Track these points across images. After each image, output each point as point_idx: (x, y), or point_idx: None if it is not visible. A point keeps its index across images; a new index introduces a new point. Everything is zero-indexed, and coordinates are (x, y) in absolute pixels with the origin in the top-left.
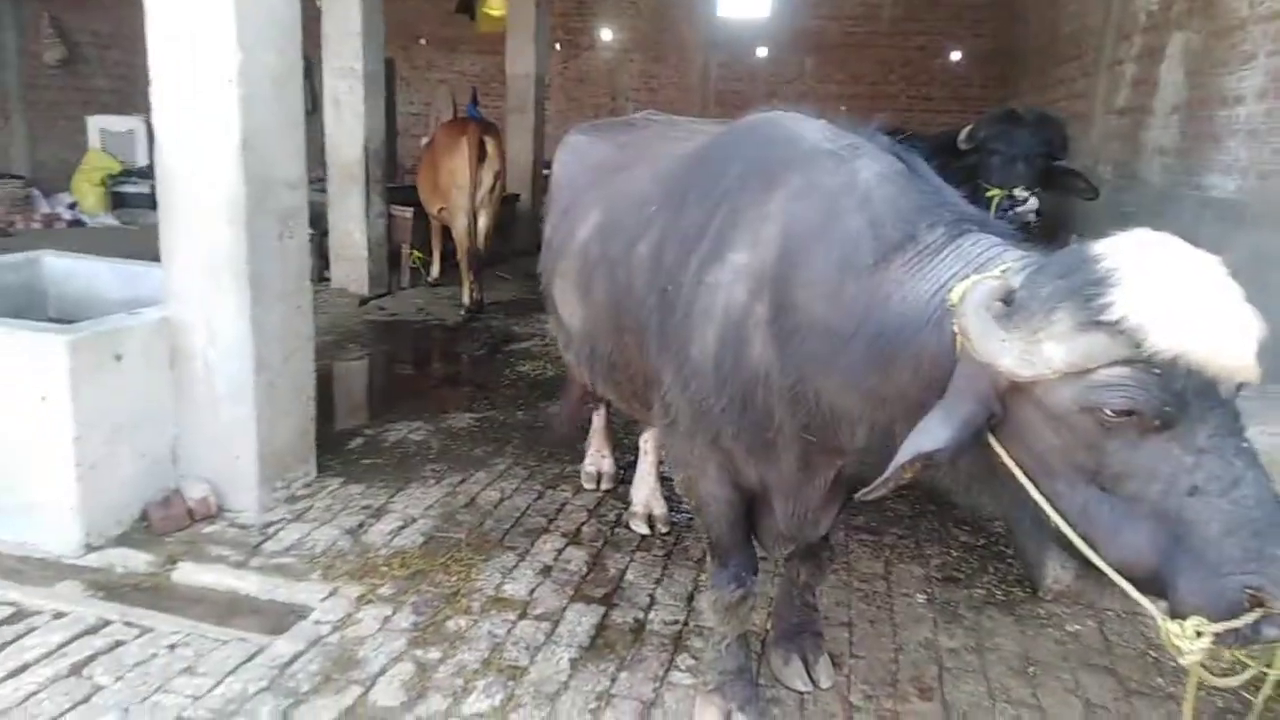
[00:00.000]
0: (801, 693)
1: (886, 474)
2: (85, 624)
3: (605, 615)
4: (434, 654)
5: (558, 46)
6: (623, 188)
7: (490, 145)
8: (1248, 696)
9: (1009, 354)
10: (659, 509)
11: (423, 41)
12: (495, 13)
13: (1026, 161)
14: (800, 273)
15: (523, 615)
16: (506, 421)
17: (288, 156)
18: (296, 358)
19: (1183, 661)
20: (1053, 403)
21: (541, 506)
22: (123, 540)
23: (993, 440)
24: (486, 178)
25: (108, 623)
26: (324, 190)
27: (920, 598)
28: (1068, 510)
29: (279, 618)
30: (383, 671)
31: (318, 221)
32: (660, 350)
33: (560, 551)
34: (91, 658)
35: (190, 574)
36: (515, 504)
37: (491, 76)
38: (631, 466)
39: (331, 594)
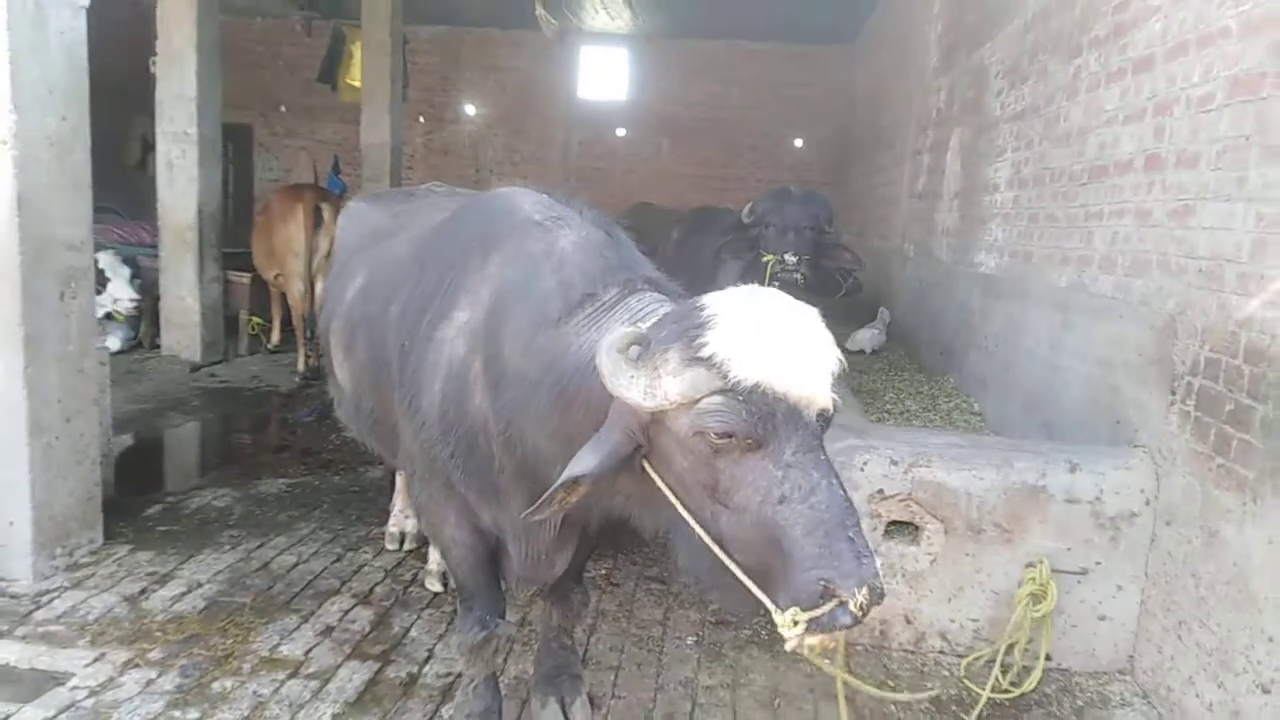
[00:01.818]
0: None
1: (545, 496)
2: None
3: (379, 671)
4: (192, 714)
5: (421, 119)
6: (385, 253)
7: (327, 212)
8: (963, 717)
9: (636, 389)
10: None
11: (283, 109)
12: (357, 84)
13: (796, 232)
14: (505, 327)
15: (294, 674)
16: (320, 486)
17: (70, 218)
18: (79, 420)
19: (786, 647)
20: (677, 429)
21: (338, 569)
22: None
23: (647, 466)
24: (323, 244)
25: None
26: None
27: (690, 640)
28: (702, 522)
29: (35, 685)
30: None
31: (153, 287)
32: (399, 402)
33: (347, 612)
34: None
35: None
36: (310, 567)
37: (354, 145)
38: None
39: (96, 660)
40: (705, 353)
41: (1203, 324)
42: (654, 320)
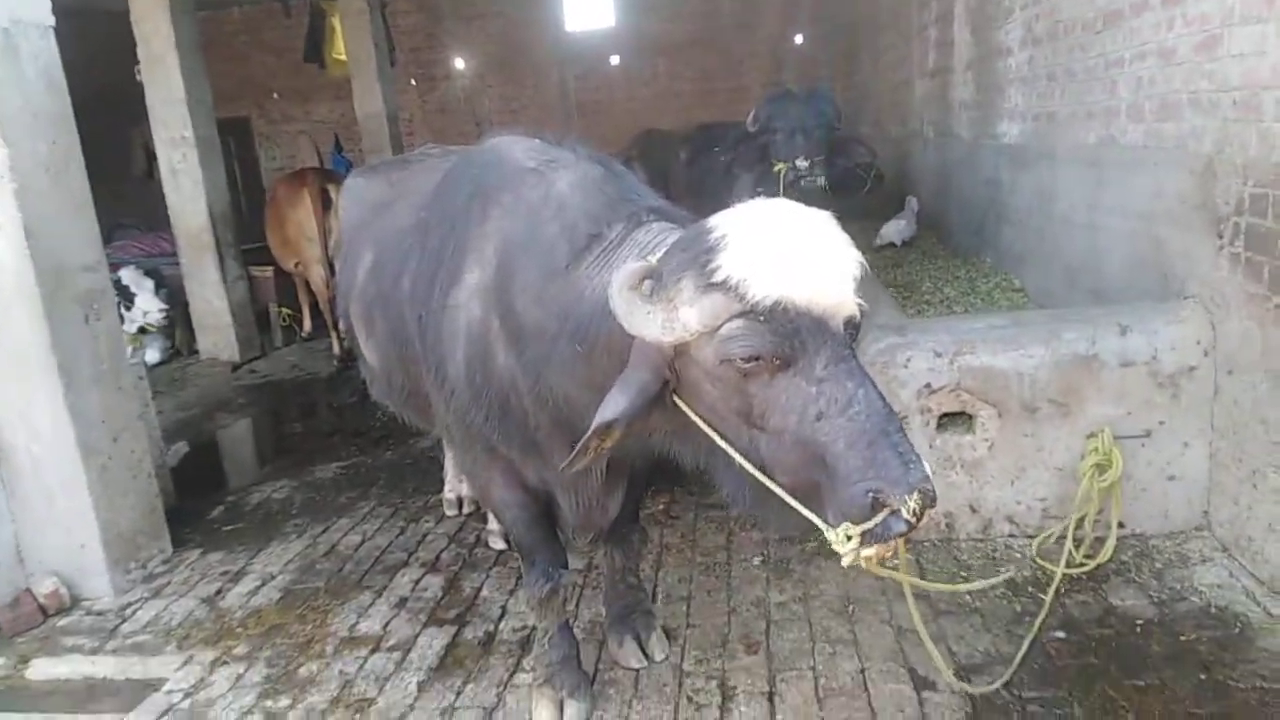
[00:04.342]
0: (637, 669)
1: (579, 445)
2: None
3: (456, 634)
4: (284, 702)
5: (413, 82)
6: (388, 225)
7: (334, 192)
8: (1041, 596)
9: (654, 324)
10: None
11: (276, 95)
12: (343, 57)
13: (805, 134)
14: (515, 281)
15: (375, 649)
16: (373, 464)
17: (79, 241)
18: (127, 437)
19: (843, 563)
20: (702, 360)
21: (403, 541)
22: None
23: (679, 401)
24: (336, 225)
25: None
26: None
27: (756, 560)
28: (741, 449)
29: (134, 694)
30: None
31: (180, 294)
32: (426, 372)
33: (418, 581)
34: None
35: (45, 669)
36: (376, 543)
37: (351, 121)
38: None
39: (185, 663)
40: (719, 277)
41: (1243, 160)
42: (664, 251)
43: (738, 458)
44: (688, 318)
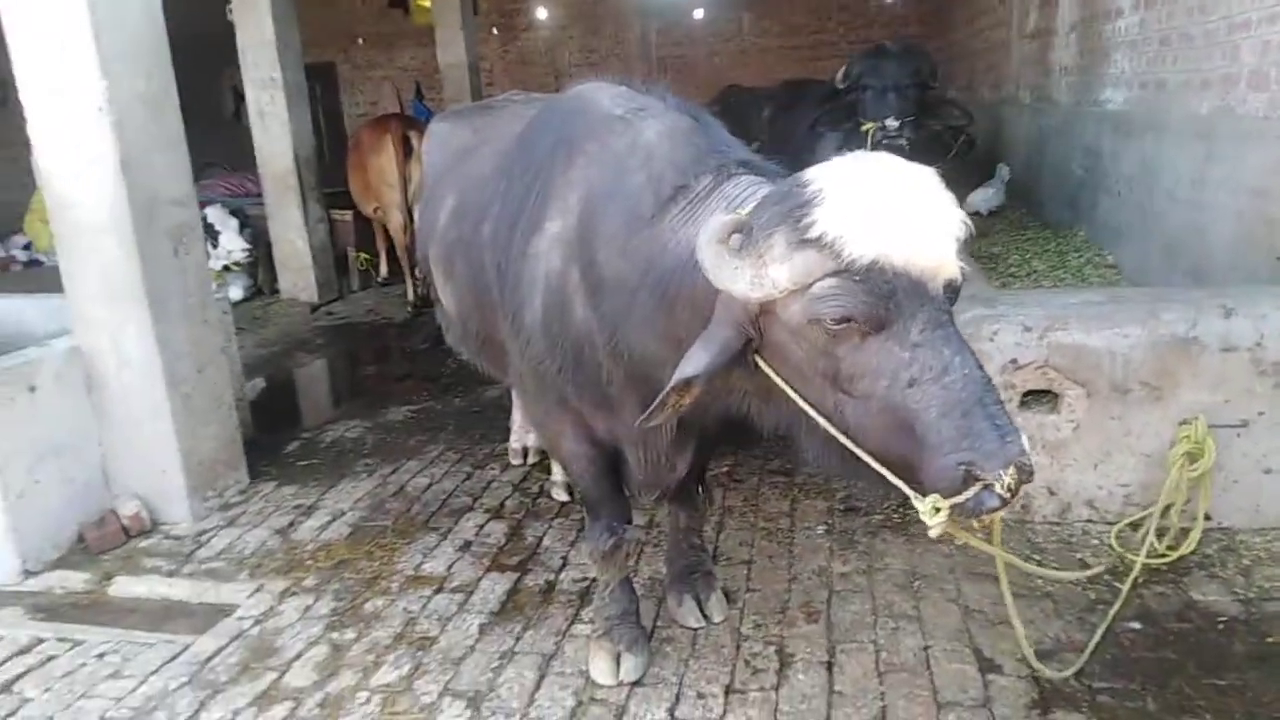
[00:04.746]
0: (694, 629)
1: (657, 400)
2: (19, 644)
3: (518, 581)
4: (349, 635)
5: (495, 31)
6: (471, 171)
7: (415, 139)
8: (1117, 585)
9: (741, 280)
10: None
11: (360, 41)
12: (426, 4)
13: (897, 92)
14: (597, 232)
15: (439, 590)
16: (443, 410)
17: (171, 175)
18: (210, 370)
19: (931, 534)
20: (789, 319)
21: (469, 487)
22: (61, 563)
23: (760, 360)
24: (416, 172)
25: (41, 641)
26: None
27: (820, 529)
28: (826, 414)
29: (207, 618)
30: (298, 656)
31: (264, 235)
32: (502, 321)
33: (482, 527)
34: (22, 674)
35: (125, 587)
36: (443, 487)
37: (433, 69)
38: None
39: (257, 590)
40: (813, 233)
41: None
42: (754, 204)
43: (822, 421)
44: (778, 274)
